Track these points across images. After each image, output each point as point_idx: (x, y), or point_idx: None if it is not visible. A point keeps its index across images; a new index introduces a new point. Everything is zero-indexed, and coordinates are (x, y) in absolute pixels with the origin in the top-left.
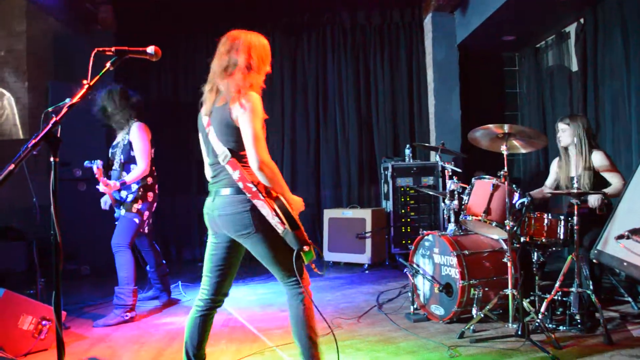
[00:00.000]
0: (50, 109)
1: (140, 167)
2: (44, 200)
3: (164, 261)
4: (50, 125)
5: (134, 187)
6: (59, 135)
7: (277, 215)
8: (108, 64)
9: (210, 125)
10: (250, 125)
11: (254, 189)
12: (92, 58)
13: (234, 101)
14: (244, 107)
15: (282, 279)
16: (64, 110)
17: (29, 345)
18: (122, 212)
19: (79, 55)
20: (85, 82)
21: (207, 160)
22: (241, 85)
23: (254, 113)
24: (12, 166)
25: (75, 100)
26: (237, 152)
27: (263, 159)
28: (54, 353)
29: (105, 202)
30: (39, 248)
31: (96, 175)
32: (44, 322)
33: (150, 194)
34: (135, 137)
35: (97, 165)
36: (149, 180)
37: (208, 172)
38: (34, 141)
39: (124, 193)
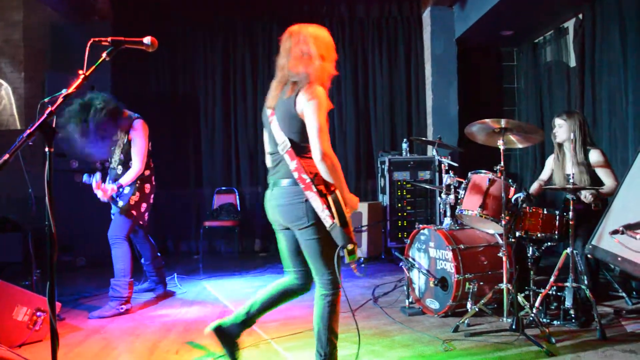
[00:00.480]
0: (46, 100)
1: (136, 168)
2: (40, 191)
3: (159, 254)
4: (45, 115)
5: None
6: (54, 125)
7: (328, 208)
8: (104, 54)
9: (274, 115)
10: (315, 117)
11: (308, 180)
12: (88, 48)
13: (299, 94)
14: (309, 100)
15: (319, 274)
16: (59, 100)
17: (23, 337)
18: (120, 203)
19: (76, 46)
20: (81, 72)
21: (267, 150)
22: (311, 74)
23: (319, 106)
24: (6, 156)
25: (70, 90)
26: (298, 143)
27: (326, 150)
28: (48, 344)
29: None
30: (35, 239)
31: (94, 188)
32: (38, 314)
33: (147, 186)
34: (136, 135)
35: (95, 180)
36: (146, 172)
37: (268, 162)
38: (29, 131)
39: (127, 188)
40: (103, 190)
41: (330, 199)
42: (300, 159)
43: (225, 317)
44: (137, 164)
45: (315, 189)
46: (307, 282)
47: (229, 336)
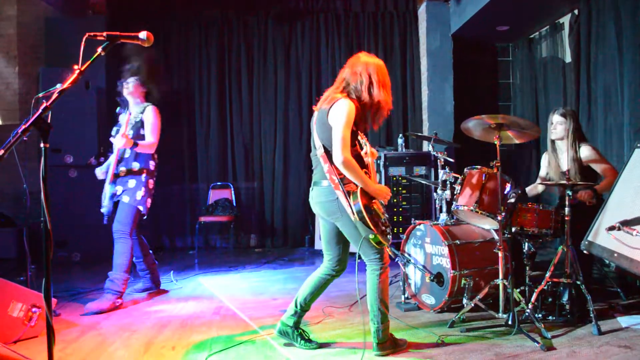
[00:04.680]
0: (40, 95)
1: (151, 141)
2: (34, 186)
3: (151, 251)
4: (40, 110)
5: (136, 167)
6: (49, 121)
7: (350, 205)
8: (99, 49)
9: (315, 123)
10: (338, 129)
11: (337, 181)
12: (83, 43)
13: (332, 106)
14: (337, 113)
15: (365, 255)
16: (54, 95)
17: (18, 332)
18: (126, 199)
19: (71, 41)
20: (76, 67)
21: (312, 152)
22: (375, 97)
23: (344, 119)
24: (0, 152)
25: (65, 85)
26: (329, 148)
27: (345, 158)
28: (44, 340)
29: (100, 173)
30: (30, 235)
31: (122, 125)
32: (34, 309)
33: (151, 181)
34: (149, 116)
35: (126, 114)
36: (152, 165)
37: (312, 161)
38: (23, 127)
39: (132, 182)
40: (124, 135)
41: (351, 197)
42: (331, 163)
43: (282, 317)
44: (151, 138)
45: (342, 189)
46: (339, 267)
47: (292, 329)
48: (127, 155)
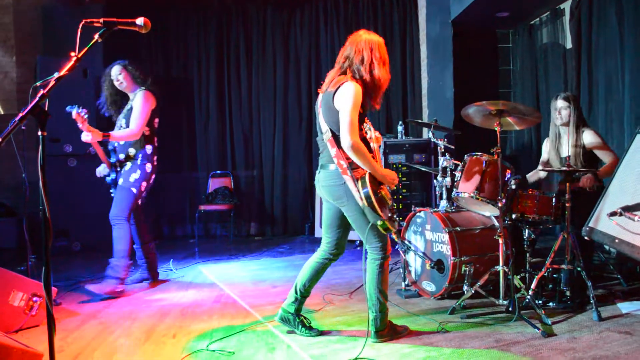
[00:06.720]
0: (38, 83)
1: (131, 129)
2: (34, 176)
3: (153, 242)
4: (37, 98)
5: (132, 152)
6: (46, 109)
7: (358, 190)
8: (96, 36)
9: (321, 107)
10: (345, 112)
11: (345, 165)
12: (80, 30)
13: (339, 89)
14: (344, 96)
15: (368, 242)
16: (52, 83)
17: (20, 322)
18: (120, 181)
19: (68, 29)
20: (73, 54)
21: (318, 135)
22: (375, 75)
23: (351, 102)
24: None
25: (63, 72)
26: (336, 132)
27: (353, 142)
28: (45, 329)
29: (99, 172)
30: (30, 224)
31: (77, 121)
32: (35, 299)
33: (148, 165)
34: (137, 102)
35: (76, 110)
36: (148, 149)
37: (319, 145)
38: (21, 115)
39: (127, 165)
40: (88, 129)
41: (359, 182)
42: (339, 147)
43: (283, 304)
44: (133, 126)
45: (350, 174)
46: (337, 250)
47: (293, 316)
48: (121, 142)
